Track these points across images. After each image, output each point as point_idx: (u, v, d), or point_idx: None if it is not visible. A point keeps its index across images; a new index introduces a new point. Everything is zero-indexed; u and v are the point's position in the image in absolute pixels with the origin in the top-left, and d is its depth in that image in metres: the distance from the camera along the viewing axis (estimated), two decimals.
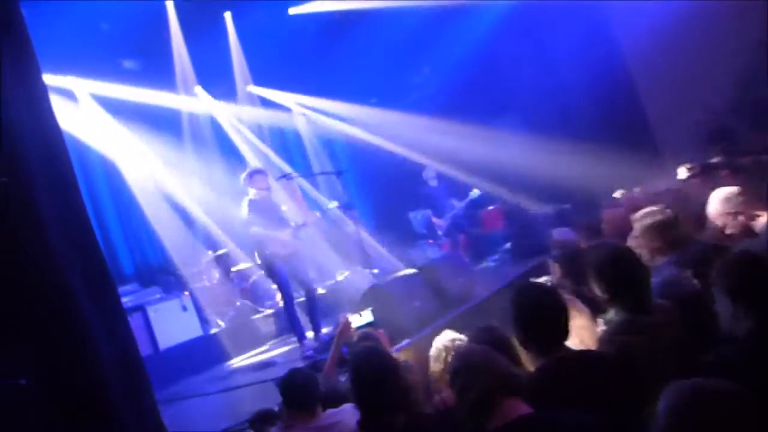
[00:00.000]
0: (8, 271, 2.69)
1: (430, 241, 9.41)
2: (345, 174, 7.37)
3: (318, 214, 6.43)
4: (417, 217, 9.72)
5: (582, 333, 2.71)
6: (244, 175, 6.11)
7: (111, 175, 8.63)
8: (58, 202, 2.99)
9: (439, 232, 8.97)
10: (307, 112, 10.89)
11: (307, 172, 10.01)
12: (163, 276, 8.57)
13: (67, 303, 2.87)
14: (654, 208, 3.37)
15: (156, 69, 8.77)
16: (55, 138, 3.13)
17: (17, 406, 2.58)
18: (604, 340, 2.53)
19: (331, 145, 11.59)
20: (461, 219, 9.06)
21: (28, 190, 2.79)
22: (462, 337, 2.95)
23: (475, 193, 8.88)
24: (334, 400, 3.09)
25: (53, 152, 3.08)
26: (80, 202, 3.19)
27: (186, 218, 9.29)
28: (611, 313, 2.61)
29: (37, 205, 2.81)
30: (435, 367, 2.92)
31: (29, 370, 2.63)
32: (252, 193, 5.99)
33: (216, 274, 8.74)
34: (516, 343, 2.50)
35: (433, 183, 9.08)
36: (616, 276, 2.55)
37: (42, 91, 3.13)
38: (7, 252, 2.72)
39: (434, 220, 8.94)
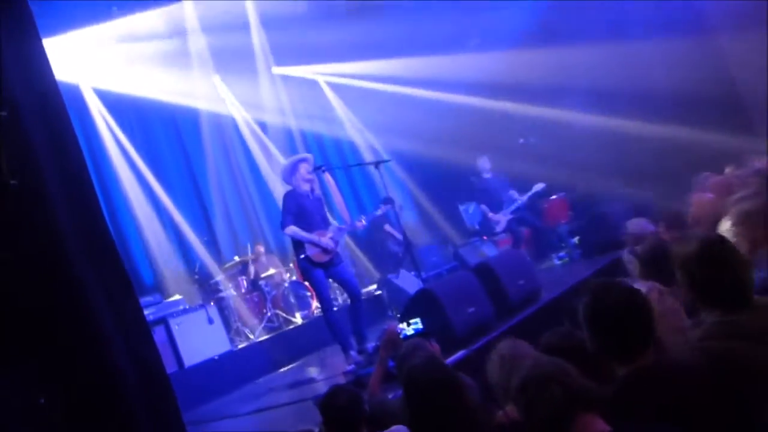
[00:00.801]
0: (23, 286, 2.77)
1: (485, 237, 9.48)
2: (386, 164, 7.32)
3: (364, 220, 6.48)
4: (469, 210, 9.94)
5: (670, 337, 2.68)
6: (286, 165, 6.17)
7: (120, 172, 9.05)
8: (74, 205, 3.08)
9: (497, 228, 9.01)
10: (340, 80, 11.11)
11: (343, 164, 10.30)
12: (186, 285, 8.83)
13: (87, 318, 2.93)
14: (752, 190, 3.27)
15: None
16: (66, 133, 3.21)
17: (35, 425, 2.64)
18: (695, 346, 2.47)
19: (366, 129, 11.78)
20: (524, 212, 9.00)
21: (42, 197, 2.87)
22: (526, 345, 2.91)
23: (540, 186, 8.86)
24: (381, 420, 3.06)
25: (65, 149, 3.15)
26: (96, 202, 3.25)
27: (208, 217, 9.68)
28: (703, 315, 2.55)
29: (51, 210, 2.89)
30: (496, 380, 2.84)
31: (48, 389, 2.69)
32: (294, 185, 6.04)
33: (243, 281, 9.02)
34: (591, 351, 2.45)
35: (487, 175, 9.09)
36: (708, 271, 2.47)
37: (45, 68, 3.22)
38: (19, 262, 2.80)
39: (490, 215, 8.92)
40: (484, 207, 9.00)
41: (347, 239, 10.20)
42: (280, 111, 10.71)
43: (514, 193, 8.94)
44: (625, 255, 3.92)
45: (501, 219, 8.89)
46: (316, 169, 6.23)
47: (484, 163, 9.08)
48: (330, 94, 11.57)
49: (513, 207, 8.88)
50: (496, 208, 8.92)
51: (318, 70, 11.13)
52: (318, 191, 6.20)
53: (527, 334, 3.04)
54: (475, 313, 5.35)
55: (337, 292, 8.82)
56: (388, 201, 7.40)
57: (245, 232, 10.14)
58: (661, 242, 3.67)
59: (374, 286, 9.52)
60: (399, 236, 9.36)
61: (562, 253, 8.75)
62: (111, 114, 8.93)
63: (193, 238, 9.22)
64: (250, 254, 9.22)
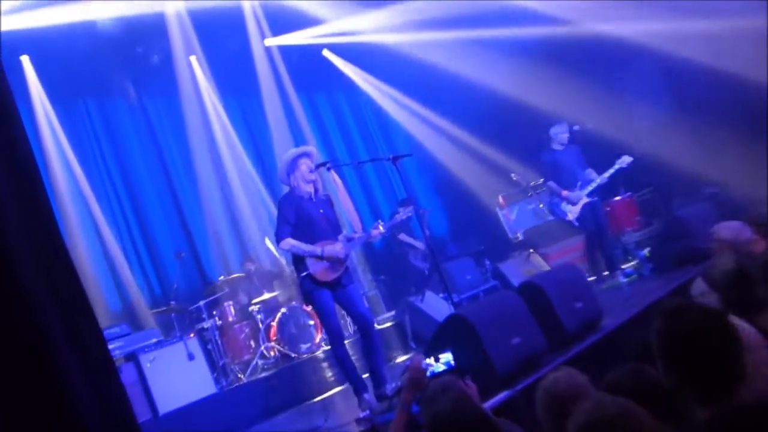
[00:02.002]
0: None
1: (531, 250, 9.59)
2: (403, 159, 7.23)
3: (381, 226, 6.30)
4: (511, 215, 10.11)
5: (761, 374, 2.66)
6: (286, 159, 6.17)
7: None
8: (26, 215, 3.10)
9: (569, 216, 8.78)
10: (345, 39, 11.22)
11: (353, 160, 10.35)
12: (160, 313, 8.94)
13: (44, 357, 2.95)
14: None
15: None
16: (22, 149, 3.25)
17: None
18: None
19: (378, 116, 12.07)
20: (598, 202, 8.87)
21: None
22: (585, 380, 2.90)
23: (626, 160, 8.65)
24: None
25: (20, 163, 3.22)
26: (50, 214, 3.27)
27: (187, 227, 9.83)
28: None
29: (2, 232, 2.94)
30: (545, 425, 2.83)
31: None
32: (293, 186, 6.10)
33: (231, 307, 9.03)
34: (665, 390, 2.45)
35: (559, 146, 8.97)
36: None
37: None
38: None
39: (564, 194, 8.75)
40: (552, 184, 8.91)
41: (359, 253, 10.29)
42: (276, 92, 10.94)
43: (591, 173, 8.83)
44: (697, 286, 3.72)
45: (574, 204, 8.74)
46: (320, 166, 6.24)
47: (559, 132, 8.94)
48: (338, 61, 11.78)
49: (591, 187, 8.73)
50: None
51: (320, 32, 11.28)
52: (323, 194, 6.22)
53: (586, 371, 3.02)
54: (521, 345, 5.30)
55: (348, 319, 8.75)
56: (409, 203, 7.35)
57: (234, 245, 10.30)
58: (751, 256, 3.65)
59: (392, 313, 9.70)
60: (424, 248, 9.45)
61: (628, 269, 8.72)
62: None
63: (168, 253, 9.32)
64: (239, 273, 9.34)
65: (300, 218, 5.97)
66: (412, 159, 10.49)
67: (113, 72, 9.82)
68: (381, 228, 6.26)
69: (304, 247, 5.92)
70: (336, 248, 5.96)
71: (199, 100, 10.44)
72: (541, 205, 10.03)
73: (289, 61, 11.23)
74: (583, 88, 9.83)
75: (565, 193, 8.74)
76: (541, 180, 9.54)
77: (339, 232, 6.13)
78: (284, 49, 11.21)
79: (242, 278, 9.32)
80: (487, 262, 10.37)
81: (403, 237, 9.84)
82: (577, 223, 8.81)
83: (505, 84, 10.82)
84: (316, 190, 6.11)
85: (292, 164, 6.07)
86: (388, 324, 9.09)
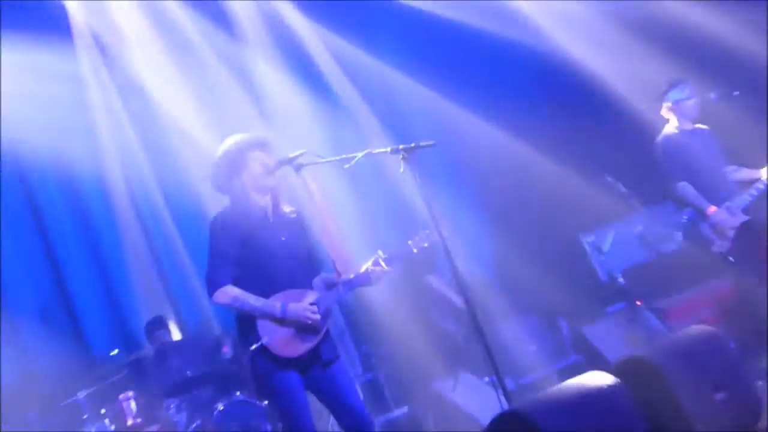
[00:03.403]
0: None
1: (638, 302, 9.03)
2: (421, 152, 6.16)
3: (384, 261, 5.65)
4: (603, 244, 9.63)
5: None
6: (227, 151, 5.69)
7: None
8: None
9: (717, 248, 7.95)
10: None
11: (339, 153, 9.88)
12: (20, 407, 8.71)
13: None
14: None
15: None
16: None
17: None
18: None
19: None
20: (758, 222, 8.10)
21: None
22: None
23: None
24: None
25: None
26: None
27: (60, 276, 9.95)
28: None
29: None
30: None
31: None
32: (235, 197, 5.70)
33: (131, 403, 8.63)
34: None
35: (687, 126, 8.21)
36: None
37: None
38: None
39: (711, 212, 7.83)
40: (685, 186, 8.00)
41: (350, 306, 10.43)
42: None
43: (733, 170, 8.15)
44: None
45: (726, 225, 7.84)
46: (286, 162, 5.69)
47: (681, 97, 8.16)
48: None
49: (754, 196, 7.96)
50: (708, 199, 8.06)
51: None
52: (289, 209, 5.79)
53: None
54: None
55: (331, 419, 8.18)
56: (431, 226, 6.12)
57: (139, 298, 10.01)
58: None
59: (403, 410, 9.49)
60: (456, 300, 8.86)
61: None
62: None
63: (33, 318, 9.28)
64: (146, 348, 9.20)
65: (248, 251, 5.52)
66: (435, 150, 8.86)
67: None
68: (384, 264, 5.72)
69: (253, 301, 5.43)
70: (306, 303, 5.50)
71: None
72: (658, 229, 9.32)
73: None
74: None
75: (712, 209, 7.82)
76: (658, 183, 8.56)
77: (314, 274, 5.75)
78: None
79: (151, 356, 9.02)
80: (564, 324, 10.13)
81: (431, 281, 9.51)
82: (731, 259, 7.94)
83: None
84: (276, 204, 5.71)
85: (237, 159, 5.64)
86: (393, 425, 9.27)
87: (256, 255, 5.55)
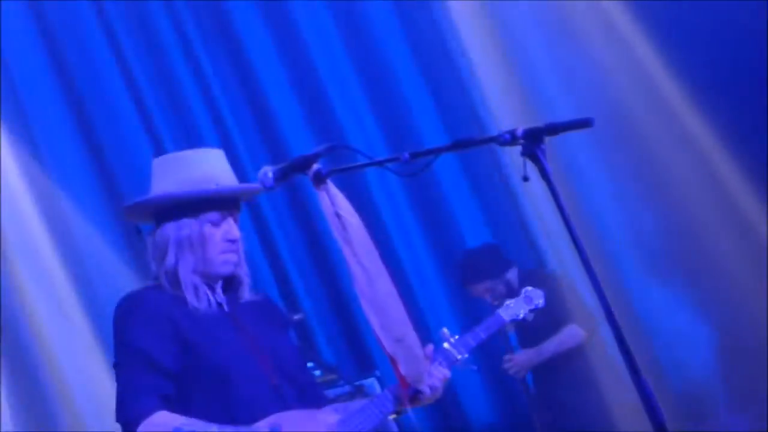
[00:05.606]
0: None
1: None
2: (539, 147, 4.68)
3: (456, 349, 4.35)
4: None
5: None
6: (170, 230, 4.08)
7: None
8: None
9: None
10: None
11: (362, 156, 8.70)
12: None
13: None
14: None
15: None
16: None
17: None
18: None
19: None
20: None
21: None
22: None
23: None
24: None
25: None
26: None
27: None
28: None
29: None
30: None
31: None
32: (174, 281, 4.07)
33: None
34: None
35: None
36: None
37: None
38: None
39: None
40: None
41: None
42: None
43: None
44: None
45: None
46: (297, 168, 3.84)
47: None
48: None
49: None
50: None
51: None
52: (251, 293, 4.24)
53: None
54: None
55: None
56: (545, 278, 6.74)
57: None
58: None
59: None
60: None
61: None
62: None
63: None
64: None
65: (189, 358, 3.96)
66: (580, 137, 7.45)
67: None
68: (455, 352, 4.38)
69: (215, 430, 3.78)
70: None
71: None
72: None
73: None
74: None
75: None
76: None
77: (315, 397, 4.05)
78: None
79: None
80: None
81: None
82: None
83: None
84: (238, 283, 4.08)
85: (184, 239, 4.04)
86: None
87: (203, 364, 3.93)
